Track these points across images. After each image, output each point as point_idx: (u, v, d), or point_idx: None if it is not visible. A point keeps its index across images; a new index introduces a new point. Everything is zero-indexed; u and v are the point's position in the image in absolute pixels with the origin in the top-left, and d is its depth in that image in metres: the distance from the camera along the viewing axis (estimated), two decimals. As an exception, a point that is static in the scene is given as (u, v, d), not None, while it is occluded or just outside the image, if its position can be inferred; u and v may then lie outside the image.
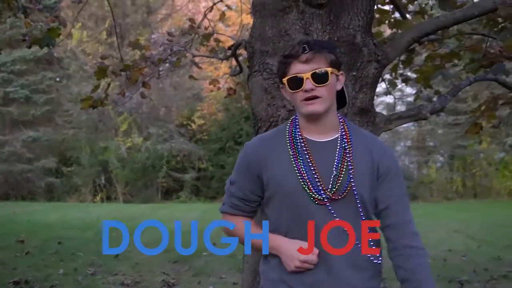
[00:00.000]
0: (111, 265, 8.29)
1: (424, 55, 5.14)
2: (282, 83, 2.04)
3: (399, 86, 6.65)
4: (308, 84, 1.94)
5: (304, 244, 1.98)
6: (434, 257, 9.40)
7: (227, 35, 8.12)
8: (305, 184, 1.98)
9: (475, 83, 4.16)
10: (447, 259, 9.39)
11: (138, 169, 23.71)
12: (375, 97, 3.25)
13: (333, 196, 1.97)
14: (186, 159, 24.04)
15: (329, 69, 1.97)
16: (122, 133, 24.26)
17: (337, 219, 1.98)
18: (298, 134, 2.05)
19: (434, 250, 10.14)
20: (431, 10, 5.45)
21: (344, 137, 2.03)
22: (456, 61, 4.70)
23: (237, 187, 2.14)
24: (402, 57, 5.33)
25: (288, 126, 2.10)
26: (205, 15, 6.42)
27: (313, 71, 1.95)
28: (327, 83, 1.96)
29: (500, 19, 4.25)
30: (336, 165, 1.99)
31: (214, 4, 6.49)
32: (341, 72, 2.06)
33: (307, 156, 2.01)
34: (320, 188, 1.97)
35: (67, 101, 23.88)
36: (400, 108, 18.46)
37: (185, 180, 23.87)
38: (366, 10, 3.08)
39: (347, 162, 2.00)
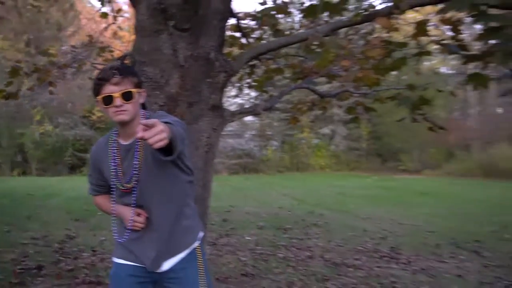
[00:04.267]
0: (23, 224, 7.72)
1: (261, 70, 5.27)
2: (97, 100, 1.97)
3: (247, 91, 6.82)
4: (118, 101, 1.92)
5: (133, 211, 2.07)
6: (269, 213, 9.76)
7: (120, 49, 7.92)
8: (114, 178, 2.08)
9: (296, 89, 4.36)
10: (278, 213, 9.71)
11: (49, 150, 22.70)
12: (230, 99, 3.30)
13: (126, 185, 2.05)
14: (88, 142, 23.39)
15: (134, 90, 1.97)
16: (36, 122, 23.10)
17: (135, 202, 2.07)
18: (115, 141, 2.09)
19: (269, 208, 10.53)
20: (269, 37, 5.59)
21: (138, 141, 2.03)
22: (283, 74, 4.86)
23: (91, 178, 2.24)
24: (247, 70, 5.45)
25: (113, 133, 2.12)
26: (101, 33, 6.23)
27: (122, 91, 1.93)
28: (133, 100, 1.97)
29: (313, 47, 4.48)
30: (131, 164, 2.04)
31: (108, 25, 6.27)
32: (143, 89, 2.07)
33: (117, 158, 2.07)
34: (122, 181, 2.06)
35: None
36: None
37: (87, 159, 23.05)
38: (218, 35, 3.11)
39: (135, 160, 2.03)
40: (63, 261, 5.39)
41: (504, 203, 11.07)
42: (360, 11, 3.14)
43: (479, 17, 2.63)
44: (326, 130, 26.30)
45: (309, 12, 3.30)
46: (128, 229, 2.10)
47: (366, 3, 3.55)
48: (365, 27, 4.97)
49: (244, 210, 10.14)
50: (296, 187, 15.84)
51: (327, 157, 25.68)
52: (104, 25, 6.31)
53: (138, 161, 2.02)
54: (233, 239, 6.95)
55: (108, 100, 1.94)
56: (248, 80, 5.89)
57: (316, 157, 25.60)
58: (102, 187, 2.23)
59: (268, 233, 7.46)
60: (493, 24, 2.69)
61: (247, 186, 16.27)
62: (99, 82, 1.95)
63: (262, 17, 4.68)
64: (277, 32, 4.89)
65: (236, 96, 6.52)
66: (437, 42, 3.55)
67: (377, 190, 14.82)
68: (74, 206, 9.92)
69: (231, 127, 23.93)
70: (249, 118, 24.31)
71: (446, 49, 3.22)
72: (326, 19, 5.06)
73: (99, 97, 1.95)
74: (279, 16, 4.97)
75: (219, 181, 17.35)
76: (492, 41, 2.84)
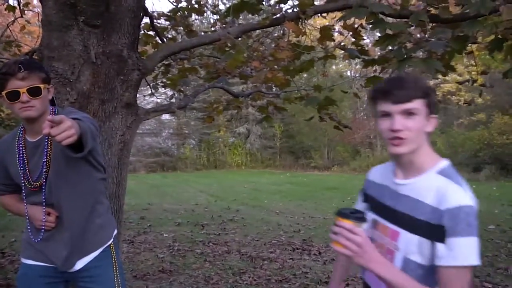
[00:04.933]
0: None
1: (176, 70, 5.22)
2: (1, 95, 1.84)
3: (163, 90, 6.69)
4: (24, 97, 1.81)
5: (44, 211, 1.98)
6: (186, 209, 9.69)
7: (29, 45, 7.43)
8: (22, 177, 1.97)
9: (212, 89, 4.37)
10: (195, 210, 9.67)
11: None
12: (146, 98, 3.22)
13: (34, 183, 1.96)
14: (-3, 139, 21.73)
15: (42, 85, 1.86)
16: None
17: (44, 200, 1.97)
18: (21, 138, 1.98)
19: (186, 205, 10.45)
20: (182, 37, 5.54)
21: (46, 138, 1.94)
22: (197, 73, 4.85)
23: None
24: (162, 69, 5.37)
25: (20, 129, 2.01)
26: (7, 27, 5.80)
27: (29, 87, 1.82)
28: (40, 96, 1.86)
29: (226, 48, 4.52)
30: (39, 161, 1.95)
31: (16, 18, 5.84)
32: (51, 85, 1.97)
33: (23, 155, 1.97)
34: (30, 179, 1.96)
35: None
36: (165, 106, 18.39)
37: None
38: (131, 32, 3.02)
39: (44, 157, 1.94)
40: (-33, 266, 4.99)
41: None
42: (269, 14, 3.22)
43: (376, 24, 2.82)
44: (241, 129, 26.58)
45: (227, 12, 3.32)
46: (42, 229, 1.99)
47: (276, 7, 3.64)
48: (277, 31, 5.11)
49: (161, 207, 9.98)
50: (213, 184, 15.85)
51: (243, 155, 25.98)
52: (11, 19, 5.87)
53: (47, 158, 1.92)
54: (151, 236, 6.81)
55: (14, 95, 1.81)
56: (164, 79, 5.82)
57: (232, 155, 25.80)
58: (8, 185, 2.09)
59: (185, 229, 7.40)
60: (388, 31, 2.90)
61: (165, 184, 16.00)
62: (3, 77, 1.81)
63: (175, 17, 4.63)
64: (190, 32, 4.87)
65: (151, 94, 6.38)
66: (340, 47, 3.74)
67: (290, 186, 15.25)
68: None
69: (148, 125, 23.41)
70: (166, 117, 23.95)
71: (348, 54, 3.40)
72: (240, 21, 5.14)
73: (4, 93, 1.82)
74: (193, 17, 4.96)
75: (137, 180, 16.90)
76: (389, 47, 3.05)
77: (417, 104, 1.36)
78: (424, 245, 1.34)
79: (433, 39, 2.82)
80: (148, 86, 6.16)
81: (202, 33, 5.35)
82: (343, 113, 23.36)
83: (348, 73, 27.49)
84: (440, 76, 3.30)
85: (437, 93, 23.90)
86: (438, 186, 1.36)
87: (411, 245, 1.37)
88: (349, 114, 26.27)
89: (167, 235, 6.95)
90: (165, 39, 4.86)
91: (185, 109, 3.91)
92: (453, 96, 22.71)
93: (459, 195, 1.31)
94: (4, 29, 5.92)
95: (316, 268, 5.17)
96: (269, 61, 3.16)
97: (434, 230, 1.31)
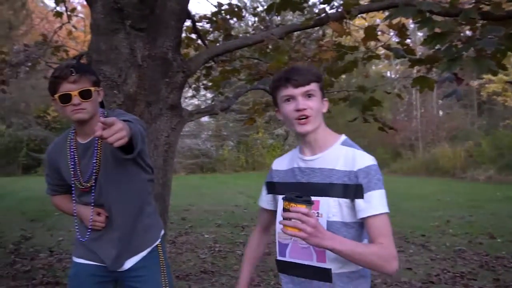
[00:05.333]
0: (-26, 225, 7.36)
1: (217, 72, 5.25)
2: (54, 98, 1.88)
3: (203, 92, 6.79)
4: (76, 99, 1.83)
5: (93, 211, 2.01)
6: (226, 210, 9.73)
7: (75, 49, 7.67)
8: (73, 177, 2.00)
9: (252, 90, 4.37)
10: (234, 211, 9.70)
11: (1, 150, 21.75)
12: (187, 100, 3.25)
13: (85, 184, 1.99)
14: (42, 142, 22.61)
15: (92, 88, 1.88)
16: None
17: (94, 200, 2.00)
18: (72, 139, 2.01)
19: (226, 206, 10.49)
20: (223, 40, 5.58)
21: (96, 139, 1.95)
22: (238, 75, 4.87)
23: (49, 178, 2.15)
24: (204, 71, 5.41)
25: (71, 131, 2.04)
26: (55, 32, 6.00)
27: (80, 90, 1.84)
28: (91, 98, 1.88)
29: (267, 49, 4.51)
30: (90, 162, 1.97)
31: (63, 24, 6.04)
32: (100, 88, 1.99)
33: (75, 156, 1.99)
34: (81, 179, 1.99)
35: None
36: (204, 108, 18.59)
37: (42, 159, 22.27)
38: (176, 35, 3.07)
39: (94, 159, 1.96)
40: (19, 262, 5.18)
41: (444, 199, 11.51)
42: (313, 15, 3.18)
43: (424, 23, 2.73)
44: (280, 131, 26.50)
45: (269, 8, 3.31)
46: (89, 228, 2.03)
47: (319, 7, 3.60)
48: (316, 32, 5.06)
49: (202, 208, 10.06)
50: (252, 186, 15.82)
51: (281, 156, 25.85)
52: (58, 25, 6.06)
53: (97, 159, 1.95)
54: (192, 237, 6.88)
55: (66, 98, 1.84)
56: (204, 82, 5.87)
57: (271, 157, 25.71)
58: (60, 186, 2.14)
59: (226, 230, 7.43)
60: (437, 30, 2.80)
61: (204, 185, 16.16)
62: (56, 80, 1.85)
63: (217, 20, 4.66)
64: (228, 36, 4.89)
65: (193, 97, 6.46)
66: (385, 47, 3.65)
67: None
68: (29, 206, 9.51)
69: (188, 127, 23.71)
70: (205, 119, 24.19)
71: (394, 53, 3.31)
72: (279, 23, 5.12)
73: (56, 96, 1.85)
74: (232, 20, 4.98)
75: (177, 181, 17.08)
76: (437, 47, 2.95)
77: (314, 87, 1.59)
78: (343, 204, 1.55)
79: (483, 38, 2.71)
80: (189, 88, 6.24)
81: (241, 35, 5.37)
82: (383, 114, 22.85)
83: (388, 74, 26.98)
84: (485, 76, 3.17)
85: (482, 93, 23.14)
86: (344, 154, 1.59)
87: (331, 207, 1.56)
88: (389, 115, 25.74)
89: (208, 236, 7.00)
90: (206, 42, 4.90)
91: (226, 111, 3.91)
92: (499, 97, 21.87)
93: (365, 157, 1.57)
94: (52, 34, 6.15)
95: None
96: (313, 62, 3.13)
97: (353, 190, 1.54)
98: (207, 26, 5.21)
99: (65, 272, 4.79)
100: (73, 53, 6.44)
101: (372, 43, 3.74)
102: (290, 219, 1.38)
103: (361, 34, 3.41)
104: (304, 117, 1.58)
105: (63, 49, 5.90)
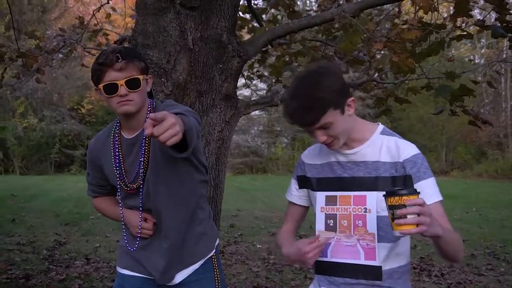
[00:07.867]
0: (7, 228, 7.70)
1: (274, 57, 5.18)
2: (98, 88, 1.85)
3: (254, 81, 6.75)
4: (123, 90, 1.80)
5: (140, 216, 2.00)
6: (280, 217, 9.66)
7: (114, 33, 7.84)
8: (117, 178, 1.98)
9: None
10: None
11: (33, 146, 22.87)
12: (237, 90, 3.21)
13: (130, 185, 1.96)
14: (76, 137, 23.52)
15: (141, 76, 1.84)
16: (19, 115, 23.22)
17: (141, 204, 1.98)
18: (117, 134, 1.99)
19: (280, 212, 10.43)
20: (282, 19, 5.51)
21: (143, 133, 1.90)
22: (301, 60, 4.78)
23: (90, 177, 2.16)
24: (258, 57, 5.36)
25: (116, 125, 2.02)
26: (93, 15, 6.14)
27: (127, 79, 1.80)
28: (139, 88, 1.84)
29: (333, 30, 4.39)
30: (136, 160, 1.95)
31: (102, 5, 6.17)
32: (149, 76, 1.95)
33: (119, 154, 1.97)
34: (126, 180, 1.97)
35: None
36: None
37: (75, 156, 23.25)
38: (231, 14, 3.02)
39: (141, 157, 1.93)
40: (53, 270, 5.36)
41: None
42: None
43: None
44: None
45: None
46: (138, 236, 2.01)
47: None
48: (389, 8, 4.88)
49: (252, 214, 10.08)
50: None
51: (343, 155, 25.56)
52: (93, 7, 6.19)
53: (144, 157, 1.92)
54: (243, 247, 6.88)
55: (112, 88, 1.81)
56: (256, 69, 5.82)
57: (330, 156, 25.47)
58: (103, 187, 2.14)
59: (280, 240, 7.38)
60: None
61: (254, 188, 16.22)
62: (100, 68, 1.81)
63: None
64: (292, 13, 4.80)
65: (247, 86, 6.41)
66: (479, 24, 3.45)
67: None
68: (62, 208, 9.88)
69: (236, 122, 23.88)
70: (255, 112, 24.24)
71: (492, 31, 3.12)
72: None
73: (101, 86, 1.82)
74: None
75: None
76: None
77: (324, 118, 1.61)
78: None
79: None
80: (241, 77, 6.23)
81: (304, 15, 5.27)
82: (466, 107, 22.12)
83: (471, 58, 25.97)
84: None
85: None
86: (386, 144, 1.68)
87: (380, 202, 1.59)
88: (473, 107, 24.80)
89: (260, 246, 6.98)
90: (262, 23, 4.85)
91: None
92: None
93: (409, 146, 1.67)
94: (89, 17, 6.30)
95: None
96: (394, 43, 2.99)
97: (402, 181, 1.63)
98: (261, 3, 5.16)
99: (103, 282, 4.90)
100: (113, 38, 6.59)
101: (460, 20, 3.55)
102: (405, 216, 1.39)
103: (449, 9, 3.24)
104: (330, 145, 1.68)
105: (103, 33, 6.02)
